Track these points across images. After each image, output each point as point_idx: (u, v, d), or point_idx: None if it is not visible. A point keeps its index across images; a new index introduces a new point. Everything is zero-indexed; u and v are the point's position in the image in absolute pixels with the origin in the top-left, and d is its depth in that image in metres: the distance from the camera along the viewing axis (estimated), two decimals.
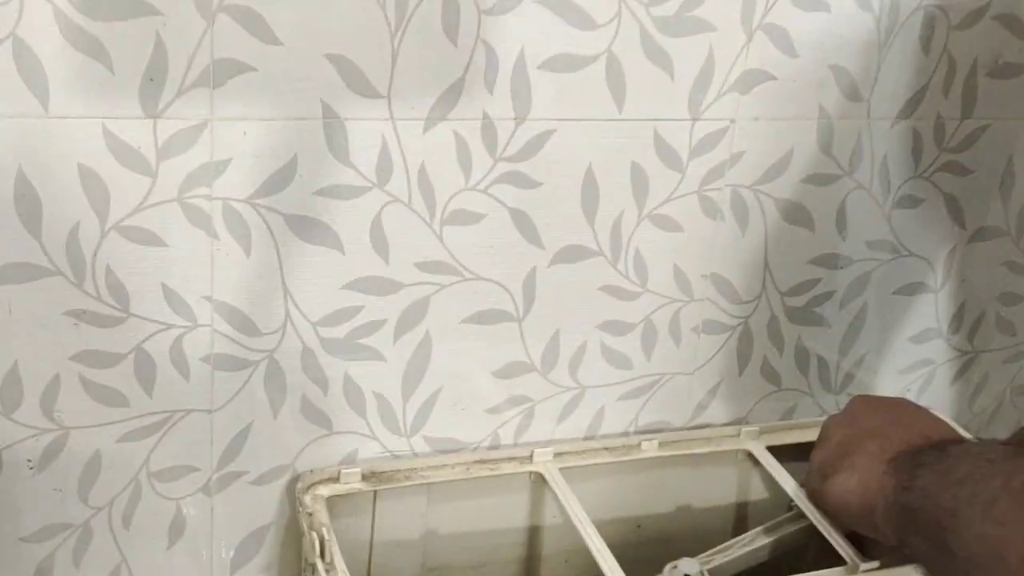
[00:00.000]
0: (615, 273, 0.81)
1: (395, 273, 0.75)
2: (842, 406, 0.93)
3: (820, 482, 0.79)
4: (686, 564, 0.82)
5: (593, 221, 0.79)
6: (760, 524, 0.94)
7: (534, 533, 0.87)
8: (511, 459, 0.83)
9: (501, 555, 0.87)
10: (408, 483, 0.79)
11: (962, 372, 0.98)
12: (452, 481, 0.81)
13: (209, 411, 0.75)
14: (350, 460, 0.80)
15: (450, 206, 0.75)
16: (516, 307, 0.80)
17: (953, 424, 0.84)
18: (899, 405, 0.80)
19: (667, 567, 0.83)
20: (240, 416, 0.76)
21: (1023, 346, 0.99)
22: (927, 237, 0.90)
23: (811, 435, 0.91)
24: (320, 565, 0.71)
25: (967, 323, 0.96)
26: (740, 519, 0.94)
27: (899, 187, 0.87)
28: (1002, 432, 1.03)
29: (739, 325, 0.87)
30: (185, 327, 0.72)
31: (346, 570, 0.71)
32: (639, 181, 0.79)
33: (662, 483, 0.89)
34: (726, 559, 0.86)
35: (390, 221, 0.74)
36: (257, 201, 0.70)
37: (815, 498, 0.80)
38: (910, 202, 0.88)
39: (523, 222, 0.77)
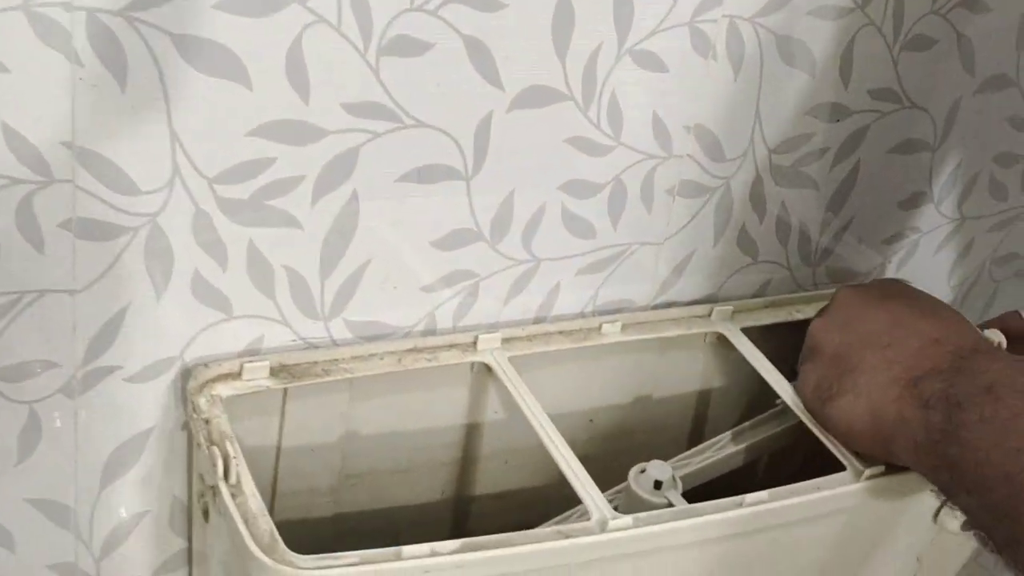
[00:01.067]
0: (585, 122, 0.66)
1: (317, 116, 0.58)
2: (820, 281, 0.81)
3: (819, 405, 0.67)
4: (656, 469, 0.69)
5: (565, 56, 0.63)
6: (726, 415, 0.83)
7: (471, 431, 0.73)
8: (451, 347, 0.68)
9: (431, 457, 0.73)
10: (327, 378, 0.64)
11: (946, 241, 0.87)
12: (380, 375, 0.66)
13: (71, 292, 0.57)
14: (254, 350, 0.64)
15: (390, 31, 0.57)
16: (465, 162, 0.64)
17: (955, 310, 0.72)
18: (895, 296, 0.68)
19: (633, 470, 0.70)
20: (112, 297, 0.59)
21: (1012, 212, 0.88)
22: (934, 85, 0.77)
23: (788, 314, 0.79)
24: (224, 488, 0.56)
25: (959, 186, 0.84)
26: (702, 409, 0.82)
27: (912, 25, 0.73)
28: (978, 304, 0.93)
29: (720, 187, 0.73)
30: (36, 183, 0.54)
31: (256, 492, 0.56)
32: (623, 6, 0.63)
33: (621, 371, 0.76)
34: (702, 463, 0.74)
35: (312, 48, 0.56)
36: (135, 15, 0.51)
37: (817, 420, 0.68)
38: (921, 43, 0.74)
39: (480, 55, 0.60)
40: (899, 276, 0.86)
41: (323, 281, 0.64)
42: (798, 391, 0.70)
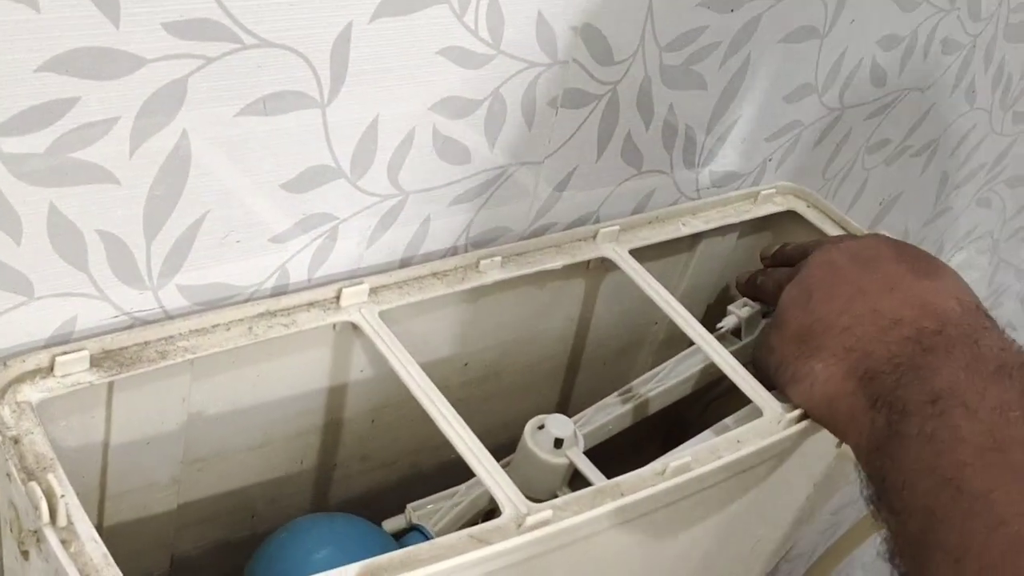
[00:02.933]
0: (461, 29, 0.54)
1: (130, 41, 0.44)
2: (703, 186, 0.73)
3: (781, 384, 0.60)
4: (556, 425, 0.61)
5: None
6: (607, 340, 0.76)
7: (333, 394, 0.62)
8: (311, 305, 0.57)
9: (289, 428, 0.62)
10: (163, 363, 0.51)
11: (825, 133, 0.80)
12: (228, 351, 0.54)
13: None
14: (65, 335, 0.51)
15: None
16: (320, 86, 0.51)
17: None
18: (867, 262, 0.61)
19: (529, 426, 0.62)
20: None
21: (888, 97, 0.82)
22: None
23: (675, 229, 0.71)
24: (51, 535, 0.44)
25: (843, 74, 0.77)
26: (581, 336, 0.74)
27: None
28: (848, 194, 0.88)
29: (606, 94, 0.63)
30: None
31: (95, 536, 0.44)
32: None
33: (500, 310, 0.66)
34: (607, 417, 0.66)
35: None
36: None
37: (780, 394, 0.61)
38: None
39: None
40: (779, 173, 0.79)
41: (149, 243, 0.51)
42: (756, 354, 0.63)
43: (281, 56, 0.49)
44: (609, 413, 0.69)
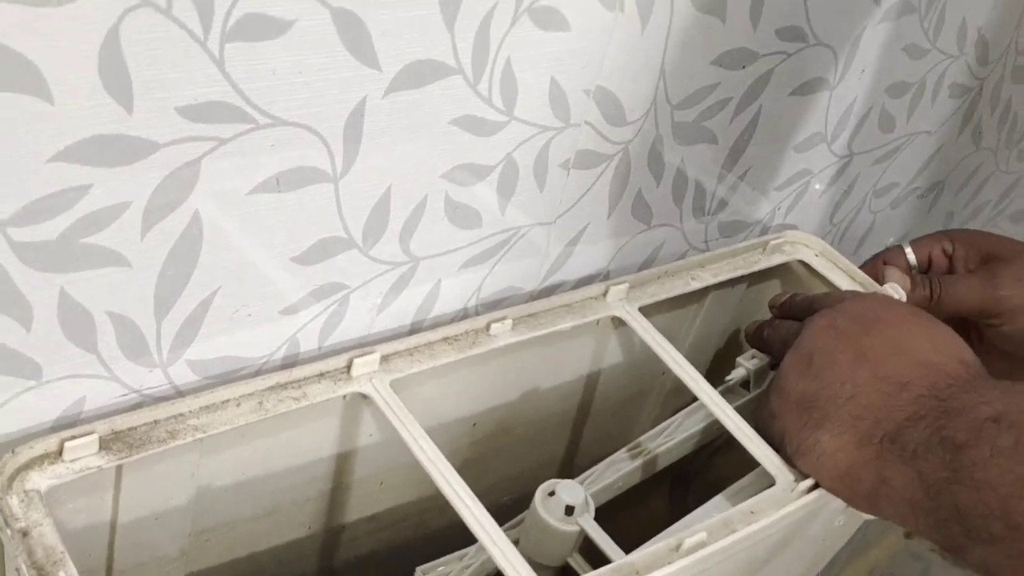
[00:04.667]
0: (475, 98, 0.53)
1: (143, 127, 0.43)
2: (711, 237, 0.73)
3: (789, 455, 0.59)
4: (567, 491, 0.60)
5: (454, 23, 0.50)
6: (615, 393, 0.75)
7: (342, 460, 0.61)
8: (321, 376, 0.56)
9: (297, 495, 0.61)
10: (173, 443, 0.50)
11: (834, 180, 0.79)
12: (237, 428, 0.53)
13: None
14: (74, 416, 0.50)
15: (237, 9, 0.43)
16: (332, 161, 0.50)
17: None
18: (865, 325, 0.59)
19: (540, 492, 0.61)
20: None
21: (897, 142, 0.82)
22: (840, 18, 0.68)
23: (685, 283, 0.71)
24: None
25: (852, 122, 0.76)
26: (589, 392, 0.73)
27: None
28: (855, 237, 0.88)
29: (618, 153, 0.62)
30: None
31: None
32: None
33: (508, 369, 0.66)
34: (616, 475, 0.66)
35: (134, 40, 0.41)
36: None
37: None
38: None
39: (352, 30, 0.47)
40: (788, 220, 0.79)
41: (159, 322, 0.50)
42: (758, 417, 0.62)
43: (295, 134, 0.48)
44: (619, 470, 0.68)
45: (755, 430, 0.63)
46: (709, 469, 0.84)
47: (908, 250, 0.77)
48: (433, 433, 0.63)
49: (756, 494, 0.61)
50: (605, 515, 0.68)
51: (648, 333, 0.66)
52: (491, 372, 0.65)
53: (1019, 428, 0.49)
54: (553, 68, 0.55)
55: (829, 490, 0.58)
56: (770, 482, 0.60)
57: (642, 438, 0.70)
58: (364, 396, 0.56)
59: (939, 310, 0.72)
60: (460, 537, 0.63)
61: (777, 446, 0.61)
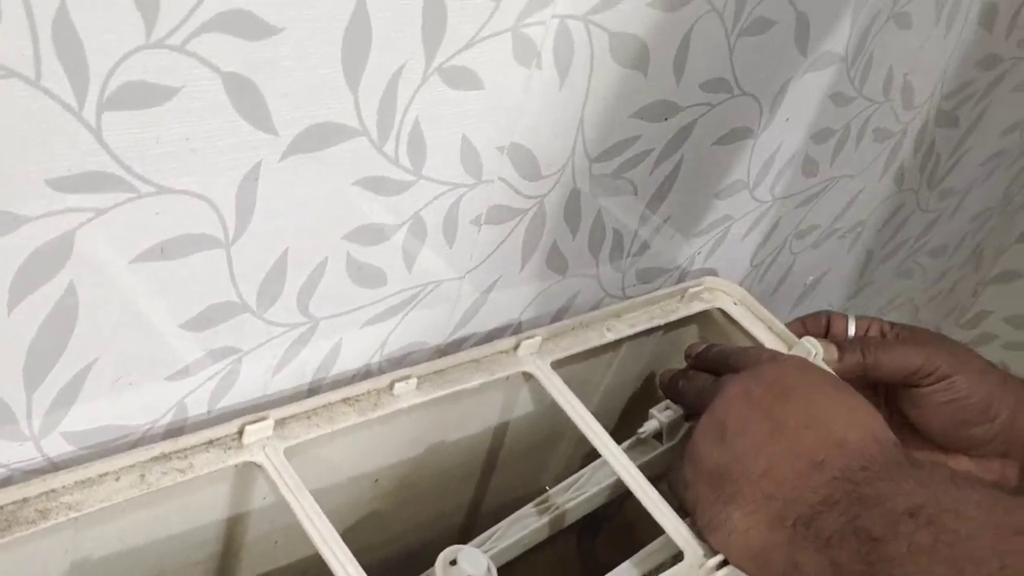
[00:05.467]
0: (380, 159, 0.50)
1: (10, 202, 0.40)
2: (628, 284, 0.71)
3: (700, 527, 0.57)
4: (469, 560, 0.58)
5: (358, 85, 0.47)
6: (524, 442, 0.73)
7: (234, 523, 0.58)
8: (210, 444, 0.53)
9: (185, 558, 0.58)
10: (44, 524, 0.47)
11: (755, 225, 0.78)
12: (114, 505, 0.49)
13: None
14: None
15: (115, 78, 0.39)
16: (224, 227, 0.47)
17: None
18: (781, 394, 0.58)
19: (441, 560, 0.59)
20: None
21: (819, 186, 0.80)
22: (765, 70, 0.66)
23: (600, 335, 0.69)
24: None
25: (775, 169, 0.74)
26: (497, 442, 0.71)
27: (753, 8, 0.61)
28: (775, 278, 0.86)
29: (532, 207, 0.60)
30: None
31: None
32: (434, 16, 0.47)
33: (413, 427, 0.63)
34: (523, 532, 0.63)
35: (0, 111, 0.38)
36: None
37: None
38: (760, 26, 0.62)
39: (246, 95, 0.43)
40: (707, 265, 0.77)
41: (29, 396, 0.46)
42: (670, 481, 0.60)
43: (182, 201, 0.45)
44: (525, 527, 0.66)
45: (670, 491, 0.62)
46: (618, 514, 0.82)
47: (851, 322, 0.75)
48: (332, 492, 0.60)
49: (663, 563, 0.59)
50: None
51: (558, 390, 0.63)
52: (395, 431, 0.62)
53: (938, 525, 0.48)
54: (465, 126, 0.53)
55: (739, 568, 0.57)
56: (679, 555, 0.58)
57: (551, 491, 0.68)
58: (256, 465, 0.53)
59: (873, 372, 0.70)
60: None
61: (689, 516, 0.59)
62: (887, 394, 0.73)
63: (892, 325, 0.75)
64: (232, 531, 0.59)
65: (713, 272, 0.78)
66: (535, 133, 0.56)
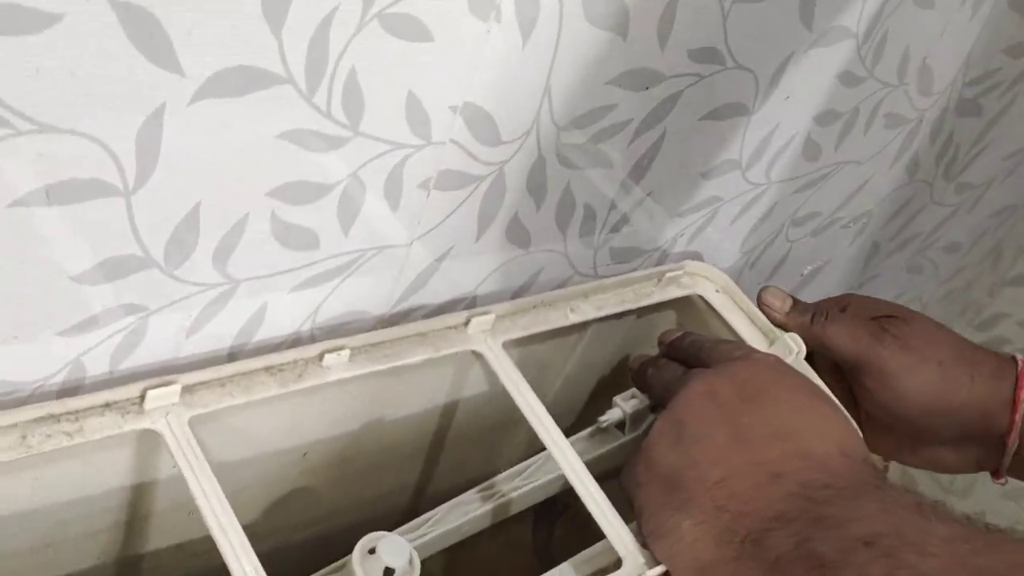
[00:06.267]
0: (310, 111, 0.45)
1: None
2: (600, 262, 0.66)
3: (645, 533, 0.52)
4: (389, 550, 0.53)
5: (281, 27, 0.41)
6: (475, 425, 0.68)
7: (139, 492, 0.54)
8: (106, 407, 0.48)
9: (82, 527, 0.54)
10: None
11: (747, 208, 0.72)
12: None
13: None
14: None
15: None
16: (122, 175, 0.42)
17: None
18: (748, 397, 0.53)
19: (359, 548, 0.54)
20: None
21: (822, 171, 0.75)
22: (764, 42, 0.60)
23: (563, 316, 0.64)
24: None
25: (772, 150, 0.69)
26: (445, 422, 0.66)
27: None
28: (768, 266, 0.81)
29: (491, 174, 0.55)
30: None
31: None
32: None
33: (345, 401, 0.59)
34: (463, 519, 0.59)
35: None
36: None
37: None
38: None
39: (143, 28, 0.38)
40: (691, 248, 0.72)
41: None
42: (623, 480, 0.55)
43: (69, 142, 0.40)
44: (466, 513, 0.62)
45: (622, 488, 0.57)
46: (577, 504, 0.78)
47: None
48: (254, 463, 0.56)
49: (605, 568, 0.55)
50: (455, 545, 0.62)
51: (506, 373, 0.59)
52: (326, 405, 0.57)
53: (895, 558, 0.43)
54: (410, 81, 0.47)
55: None
56: (617, 563, 0.54)
57: (498, 478, 0.63)
58: (155, 433, 0.49)
59: (817, 341, 0.66)
60: (287, 565, 0.57)
61: (637, 520, 0.55)
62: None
63: (846, 303, 0.69)
64: (138, 500, 0.54)
65: (698, 256, 0.72)
66: (493, 94, 0.51)
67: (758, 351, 0.61)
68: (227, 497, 0.58)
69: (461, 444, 0.68)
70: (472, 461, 0.70)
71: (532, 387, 0.68)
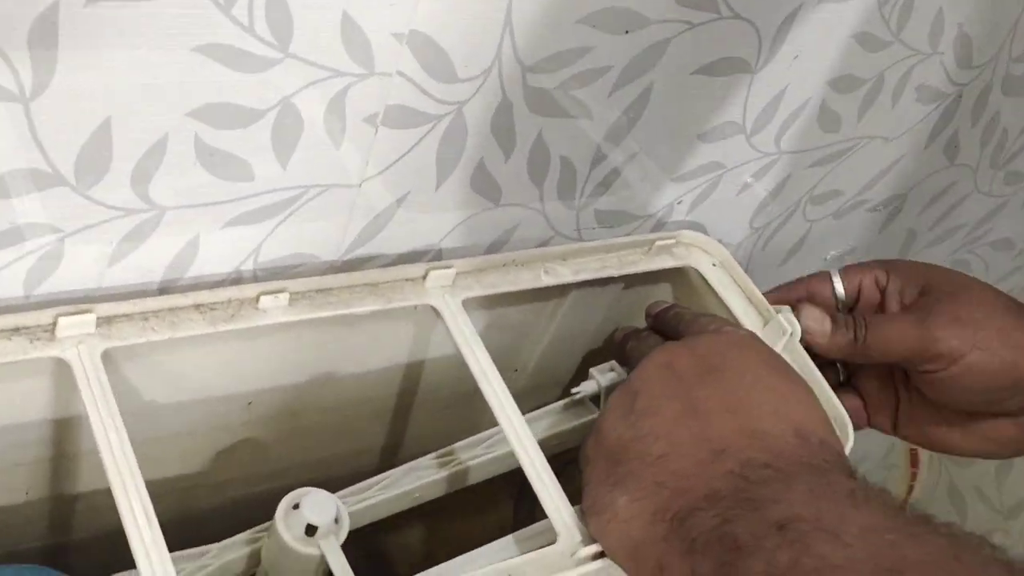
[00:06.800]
0: (229, 25, 0.42)
1: None
2: (585, 226, 0.62)
3: (584, 508, 0.49)
4: (313, 507, 0.51)
5: None
6: (446, 385, 0.65)
7: (64, 426, 0.52)
8: (16, 332, 0.46)
9: (6, 458, 0.52)
10: None
11: (756, 178, 0.67)
12: None
13: None
14: None
15: None
16: (16, 77, 0.40)
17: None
18: (707, 371, 0.49)
19: (284, 504, 0.51)
20: None
21: (842, 144, 0.69)
22: None
23: (535, 277, 0.60)
24: None
25: (781, 116, 0.64)
26: (412, 383, 0.63)
27: None
28: (784, 246, 0.76)
29: (448, 114, 0.51)
30: None
31: None
32: None
33: (287, 348, 0.56)
34: (415, 483, 0.56)
35: None
36: None
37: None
38: None
39: None
40: (691, 218, 0.67)
41: None
42: (580, 457, 0.52)
43: None
44: (419, 478, 0.58)
45: (581, 466, 0.53)
46: (564, 480, 0.74)
47: (836, 279, 0.65)
48: (191, 408, 0.54)
49: (539, 546, 0.51)
50: (419, 517, 0.59)
51: (462, 333, 0.55)
52: (267, 351, 0.55)
53: (803, 544, 0.39)
54: (346, 2, 0.44)
55: (613, 561, 0.48)
56: (554, 538, 0.50)
57: (458, 445, 0.60)
58: (65, 363, 0.47)
59: (865, 355, 0.61)
60: (233, 521, 0.55)
61: (582, 499, 0.51)
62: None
63: (888, 272, 0.64)
64: (62, 437, 0.52)
65: (700, 228, 0.68)
66: (443, 24, 0.47)
67: (733, 326, 0.56)
68: (162, 441, 0.56)
69: (432, 409, 0.65)
70: (447, 427, 0.67)
71: (507, 352, 0.65)
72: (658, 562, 0.44)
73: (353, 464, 0.65)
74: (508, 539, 0.53)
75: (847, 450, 0.56)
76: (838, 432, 0.57)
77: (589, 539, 0.49)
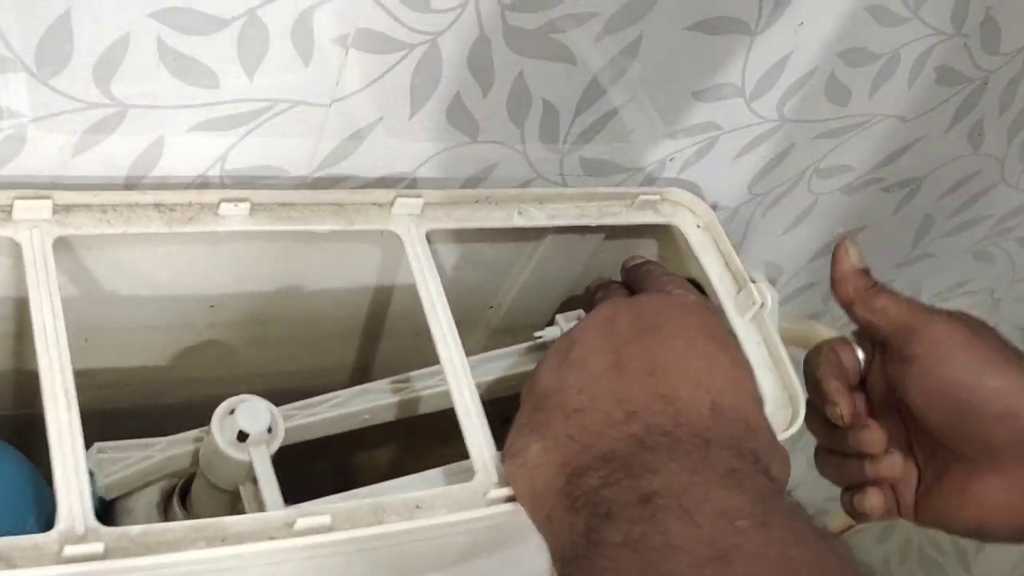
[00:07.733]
0: None
1: None
2: (569, 171, 0.62)
3: (504, 452, 0.49)
4: (247, 414, 0.52)
5: None
6: (416, 315, 0.65)
7: (21, 305, 0.54)
8: None
9: None
10: None
11: (754, 145, 0.66)
12: None
13: None
14: None
15: None
16: None
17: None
18: (645, 331, 0.49)
19: (221, 409, 0.53)
20: None
21: (852, 119, 0.68)
22: None
23: (507, 216, 0.60)
24: None
25: (784, 83, 0.63)
26: (381, 307, 0.64)
27: None
28: (787, 216, 0.75)
29: (422, 44, 0.51)
30: None
31: None
32: None
33: (256, 259, 0.57)
34: (366, 405, 0.57)
35: None
36: None
37: None
38: None
39: None
40: (683, 176, 0.67)
41: None
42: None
43: None
44: (371, 400, 0.59)
45: None
46: None
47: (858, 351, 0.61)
48: (152, 303, 0.55)
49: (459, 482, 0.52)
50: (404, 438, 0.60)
51: (420, 263, 0.55)
52: (228, 257, 0.56)
53: (656, 521, 0.39)
54: None
55: (521, 505, 0.49)
56: (471, 476, 0.50)
57: (416, 373, 0.61)
58: (16, 244, 0.48)
59: (863, 306, 0.57)
60: (200, 420, 0.56)
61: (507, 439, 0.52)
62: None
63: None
64: (23, 314, 0.54)
65: (694, 187, 0.67)
66: None
67: (685, 287, 0.56)
68: (124, 330, 0.58)
69: (402, 335, 0.66)
70: (418, 355, 0.68)
71: (484, 288, 0.66)
72: (548, 514, 0.45)
73: (322, 380, 0.66)
74: (437, 471, 0.54)
75: (785, 436, 0.56)
76: (780, 411, 0.57)
77: (505, 481, 0.49)
